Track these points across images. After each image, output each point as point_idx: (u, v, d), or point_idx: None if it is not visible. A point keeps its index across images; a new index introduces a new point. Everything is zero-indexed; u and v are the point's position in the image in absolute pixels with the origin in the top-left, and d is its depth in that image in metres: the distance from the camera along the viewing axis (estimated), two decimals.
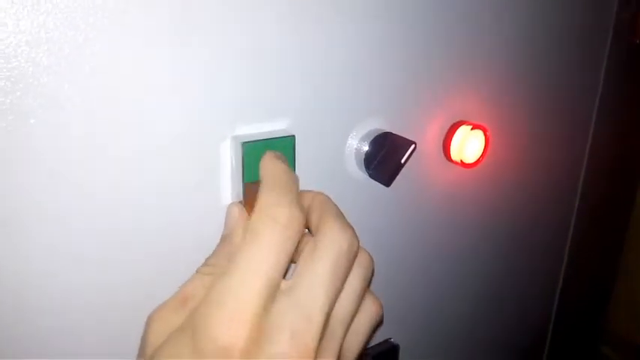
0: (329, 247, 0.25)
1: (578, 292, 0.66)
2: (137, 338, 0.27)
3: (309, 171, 0.34)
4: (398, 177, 0.37)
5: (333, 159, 0.36)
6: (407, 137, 0.37)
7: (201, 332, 0.22)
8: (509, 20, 0.44)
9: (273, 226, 0.24)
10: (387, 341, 0.47)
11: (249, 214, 0.30)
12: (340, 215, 0.27)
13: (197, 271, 0.27)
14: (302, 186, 0.33)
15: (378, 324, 0.29)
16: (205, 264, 0.28)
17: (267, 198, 0.25)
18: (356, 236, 0.26)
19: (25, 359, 0.29)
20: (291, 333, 0.22)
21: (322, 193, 0.30)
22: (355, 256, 0.26)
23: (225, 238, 0.30)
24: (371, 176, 0.37)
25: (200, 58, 0.29)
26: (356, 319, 0.28)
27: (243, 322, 0.22)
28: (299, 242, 0.26)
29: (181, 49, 0.28)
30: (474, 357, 0.58)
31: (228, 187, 0.32)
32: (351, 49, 0.35)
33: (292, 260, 0.27)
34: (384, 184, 0.36)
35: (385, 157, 0.35)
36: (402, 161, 0.35)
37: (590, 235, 0.64)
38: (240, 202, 0.31)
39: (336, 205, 0.29)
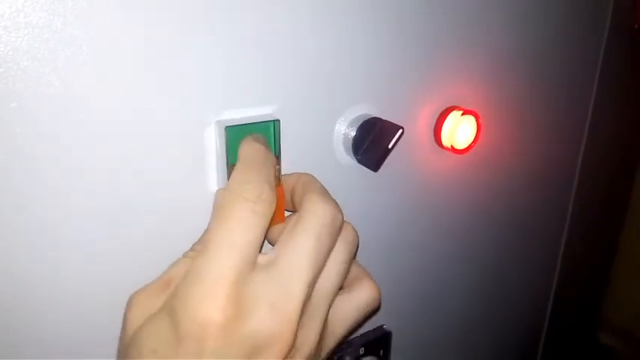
0: (311, 220, 0.25)
1: (576, 278, 0.66)
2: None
3: (296, 156, 0.34)
4: (388, 162, 0.37)
5: (321, 144, 0.36)
6: (396, 123, 0.36)
7: (179, 310, 0.22)
8: (502, 5, 0.44)
9: (241, 203, 0.24)
10: (379, 328, 0.47)
11: None
12: (324, 191, 0.27)
13: (183, 255, 0.27)
14: (289, 171, 0.34)
15: (373, 310, 0.29)
16: (191, 249, 0.28)
17: (236, 176, 0.25)
18: (339, 210, 0.26)
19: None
20: (270, 305, 0.22)
21: (307, 174, 0.30)
22: (339, 230, 0.26)
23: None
24: (359, 161, 0.36)
25: (185, 43, 0.28)
26: (346, 301, 0.28)
27: (220, 297, 0.21)
28: (277, 222, 0.26)
29: (165, 34, 0.28)
30: (469, 343, 0.58)
31: (214, 172, 0.32)
32: (339, 34, 0.34)
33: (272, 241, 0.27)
34: (372, 169, 0.36)
35: (373, 142, 0.35)
36: (390, 146, 0.35)
37: (588, 222, 0.64)
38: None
39: (320, 183, 0.29)
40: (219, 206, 0.24)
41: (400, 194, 0.43)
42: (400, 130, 0.35)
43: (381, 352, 0.48)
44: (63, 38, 0.25)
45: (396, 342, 0.48)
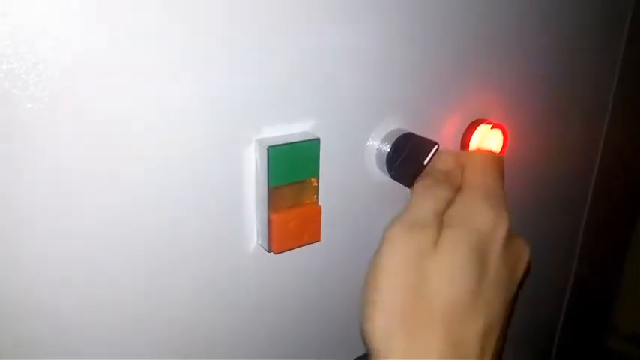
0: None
1: (589, 286, 0.67)
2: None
3: (331, 172, 0.34)
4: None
5: (355, 160, 0.36)
6: (427, 136, 0.36)
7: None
8: (529, 19, 0.44)
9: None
10: None
11: (275, 219, 0.30)
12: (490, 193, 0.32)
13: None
14: (325, 186, 0.33)
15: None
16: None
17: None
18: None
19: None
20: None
21: (485, 156, 0.34)
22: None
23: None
24: (393, 177, 0.36)
25: (221, 60, 0.28)
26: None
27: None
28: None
29: (203, 50, 0.27)
30: None
31: (252, 192, 0.31)
32: (370, 49, 0.34)
33: None
34: (406, 185, 0.36)
35: (407, 158, 0.35)
36: (425, 162, 0.35)
37: (602, 231, 0.64)
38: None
39: (494, 175, 0.33)
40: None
41: None
42: (436, 147, 0.35)
43: None
44: (98, 50, 0.24)
45: None
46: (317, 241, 0.33)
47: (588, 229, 0.62)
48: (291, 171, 0.30)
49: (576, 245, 0.63)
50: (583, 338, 0.71)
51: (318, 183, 0.32)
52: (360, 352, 0.43)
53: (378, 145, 0.36)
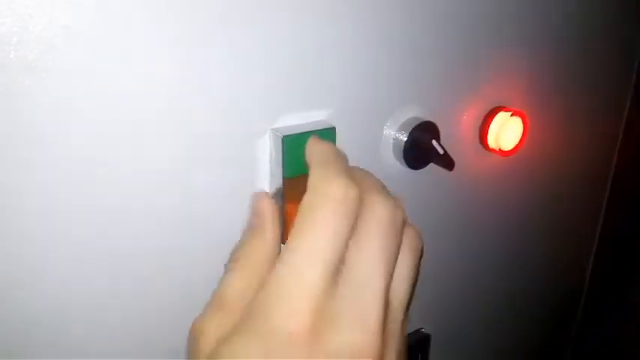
0: (372, 223, 0.23)
1: (607, 273, 0.65)
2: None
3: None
4: (435, 167, 0.36)
5: (371, 149, 0.35)
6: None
7: (263, 325, 0.21)
8: (549, 6, 0.42)
9: (326, 204, 0.22)
10: (418, 331, 0.46)
11: (290, 211, 0.29)
12: (380, 187, 0.25)
13: (228, 270, 0.25)
14: None
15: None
16: (233, 259, 0.26)
17: (317, 175, 0.23)
18: (401, 206, 0.24)
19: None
20: (352, 318, 0.21)
21: (359, 168, 0.28)
22: (402, 228, 0.24)
23: (254, 232, 0.27)
24: (410, 166, 0.35)
25: (237, 47, 0.27)
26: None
27: (306, 313, 0.20)
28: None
29: (220, 38, 0.26)
30: (507, 343, 0.58)
31: (266, 182, 0.30)
32: (388, 37, 0.33)
33: None
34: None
35: (421, 146, 0.34)
36: (441, 152, 0.34)
37: (619, 223, 0.63)
38: (267, 193, 0.30)
39: (375, 177, 0.26)
40: (302, 209, 0.22)
41: (446, 197, 0.42)
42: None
43: (419, 356, 0.47)
44: (114, 41, 0.24)
45: (434, 345, 0.47)
46: None
47: (606, 222, 0.61)
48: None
49: (594, 238, 0.62)
50: (600, 330, 0.70)
51: None
52: None
53: (394, 134, 0.35)
